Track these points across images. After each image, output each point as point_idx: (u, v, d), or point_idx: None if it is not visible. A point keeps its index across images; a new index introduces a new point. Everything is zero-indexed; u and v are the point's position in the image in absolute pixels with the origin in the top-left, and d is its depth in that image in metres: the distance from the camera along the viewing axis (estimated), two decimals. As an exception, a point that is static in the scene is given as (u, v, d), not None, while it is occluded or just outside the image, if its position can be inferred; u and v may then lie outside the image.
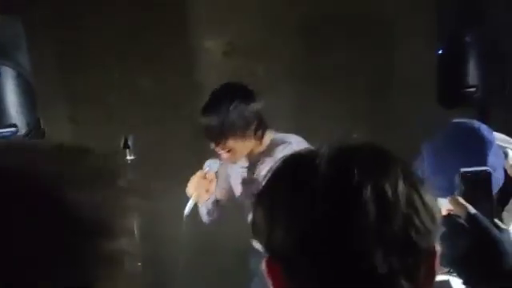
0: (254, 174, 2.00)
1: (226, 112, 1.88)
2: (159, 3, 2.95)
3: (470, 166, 1.35)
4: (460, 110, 2.50)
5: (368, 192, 0.65)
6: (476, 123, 1.45)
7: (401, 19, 2.99)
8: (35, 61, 2.42)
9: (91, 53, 2.91)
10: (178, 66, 3.02)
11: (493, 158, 1.38)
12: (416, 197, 0.68)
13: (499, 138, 1.52)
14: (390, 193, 0.66)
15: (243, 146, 1.92)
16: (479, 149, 1.38)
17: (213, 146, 1.92)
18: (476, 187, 0.97)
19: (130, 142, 1.99)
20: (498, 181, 1.39)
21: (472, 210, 0.91)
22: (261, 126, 1.95)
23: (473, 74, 2.39)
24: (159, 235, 2.46)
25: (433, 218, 0.70)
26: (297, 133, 3.21)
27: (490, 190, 1.02)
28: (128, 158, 2.01)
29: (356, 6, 3.01)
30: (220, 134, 1.88)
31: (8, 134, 2.25)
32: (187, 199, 2.06)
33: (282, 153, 1.90)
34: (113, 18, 2.91)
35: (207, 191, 1.96)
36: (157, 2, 2.95)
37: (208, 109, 1.91)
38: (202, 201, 1.99)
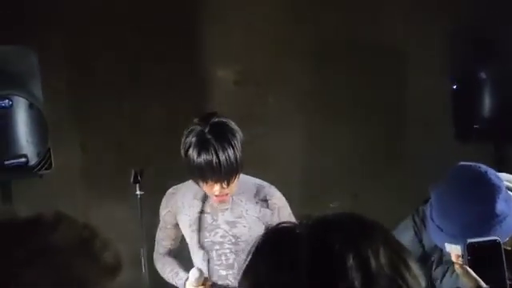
0: (215, 220, 1.91)
1: (239, 145, 1.76)
2: (171, 32, 2.97)
3: (478, 212, 1.31)
4: (474, 145, 2.48)
5: (351, 259, 0.65)
6: (483, 167, 1.41)
7: (413, 50, 2.97)
8: (47, 89, 2.43)
9: (103, 81, 2.92)
10: (190, 94, 3.03)
11: (502, 204, 1.35)
12: (400, 262, 0.68)
13: (510, 179, 1.48)
14: (372, 259, 0.67)
15: (236, 180, 1.82)
16: (487, 195, 1.34)
17: (217, 188, 1.78)
18: (485, 258, 0.93)
19: (139, 177, 1.95)
20: (510, 227, 1.35)
21: (483, 285, 0.87)
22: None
23: (487, 110, 2.36)
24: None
25: (419, 284, 0.69)
26: (307, 162, 3.22)
27: (501, 260, 0.98)
28: (138, 192, 1.98)
29: (369, 38, 3.01)
30: (237, 170, 1.76)
31: (18, 164, 2.25)
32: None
33: (258, 194, 1.88)
34: (124, 46, 2.93)
35: None
36: (169, 31, 2.96)
37: (225, 145, 1.73)
38: None
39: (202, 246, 1.93)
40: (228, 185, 1.77)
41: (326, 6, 3.00)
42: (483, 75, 2.36)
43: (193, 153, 1.74)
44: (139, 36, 2.94)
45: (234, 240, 1.91)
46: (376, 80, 3.03)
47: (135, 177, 1.96)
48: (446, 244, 1.37)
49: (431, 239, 1.46)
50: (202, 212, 1.90)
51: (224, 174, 1.73)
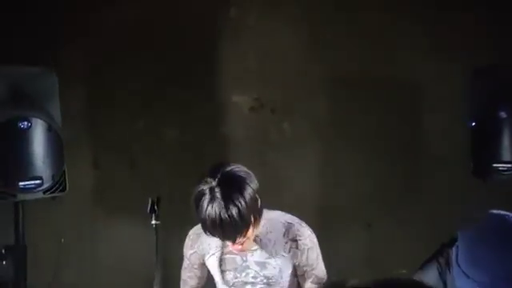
0: (245, 261, 1.87)
1: (248, 199, 1.68)
2: (189, 57, 2.98)
3: (509, 263, 1.31)
4: (493, 184, 2.45)
5: None
6: None
7: (432, 87, 2.97)
8: (63, 109, 2.44)
9: (118, 103, 2.93)
10: (205, 118, 3.03)
11: None
12: None
13: None
14: None
15: (255, 231, 1.76)
16: None
17: (229, 243, 1.76)
18: None
19: (155, 206, 1.93)
20: None
21: None
22: (261, 203, 1.75)
23: (508, 150, 2.34)
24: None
25: None
26: (321, 190, 3.20)
27: None
28: (153, 222, 1.96)
29: (387, 72, 3.01)
30: (243, 227, 1.69)
31: (32, 186, 2.25)
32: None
33: (287, 233, 1.82)
34: (142, 70, 2.94)
35: None
36: (186, 56, 2.98)
37: (227, 205, 1.65)
38: None
39: (233, 286, 1.89)
40: (235, 241, 1.72)
41: (345, 36, 3.00)
42: (503, 114, 2.35)
43: (200, 207, 1.69)
44: (157, 60, 2.96)
45: (265, 281, 1.87)
46: (396, 113, 3.02)
47: (152, 206, 1.93)
48: None
49: (455, 283, 1.44)
50: (230, 253, 1.86)
51: (227, 233, 1.68)
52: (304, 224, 1.89)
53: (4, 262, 2.34)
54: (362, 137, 3.04)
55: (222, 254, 1.88)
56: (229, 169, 1.72)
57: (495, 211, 1.44)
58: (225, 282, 1.91)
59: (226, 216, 1.64)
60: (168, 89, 2.98)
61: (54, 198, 2.35)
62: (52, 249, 2.61)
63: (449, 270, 1.56)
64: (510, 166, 2.37)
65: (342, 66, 3.02)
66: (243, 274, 1.88)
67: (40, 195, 2.29)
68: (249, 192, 1.69)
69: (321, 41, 3.01)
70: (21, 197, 2.28)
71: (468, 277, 1.37)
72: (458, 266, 1.40)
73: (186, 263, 1.97)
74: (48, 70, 2.38)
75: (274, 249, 1.84)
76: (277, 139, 3.08)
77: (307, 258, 1.85)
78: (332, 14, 3.00)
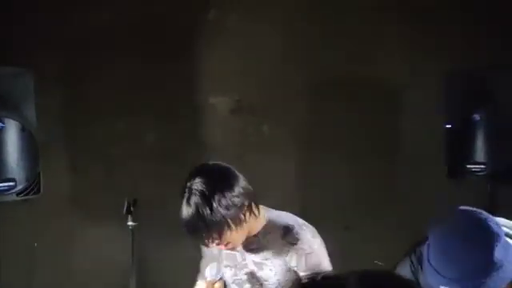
0: (244, 259, 1.85)
1: (211, 213, 1.65)
2: (168, 59, 2.97)
3: (476, 259, 1.34)
4: (467, 184, 2.49)
5: None
6: (484, 214, 1.44)
7: (410, 89, 3.00)
8: (39, 112, 2.41)
9: (95, 105, 2.91)
10: (184, 120, 3.01)
11: (500, 252, 1.37)
12: None
13: (509, 225, 1.50)
14: None
15: (241, 233, 1.74)
16: (486, 242, 1.37)
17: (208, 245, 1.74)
18: None
19: (131, 208, 1.92)
20: (506, 274, 1.37)
21: None
22: (251, 205, 1.73)
23: (481, 151, 2.38)
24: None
25: None
26: (300, 192, 3.21)
27: None
28: (130, 223, 1.94)
29: (367, 74, 3.03)
30: (213, 235, 1.68)
31: (5, 188, 2.21)
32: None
33: (286, 237, 1.79)
34: (120, 71, 2.92)
35: None
36: (166, 58, 2.96)
37: (191, 218, 1.65)
38: None
39: (234, 283, 1.88)
40: (207, 244, 1.70)
41: (326, 38, 3.02)
42: (476, 116, 2.38)
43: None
44: (135, 61, 2.94)
45: (261, 281, 1.84)
46: (372, 114, 3.05)
47: (128, 207, 1.92)
48: (441, 287, 1.38)
49: (427, 280, 1.46)
50: (232, 248, 1.83)
51: (195, 234, 1.66)
52: (307, 228, 1.82)
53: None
54: (340, 138, 3.06)
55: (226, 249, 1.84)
56: (208, 170, 1.71)
57: (463, 207, 1.47)
58: (227, 278, 1.87)
59: (195, 217, 1.63)
60: (146, 91, 2.96)
61: (27, 200, 2.32)
62: (25, 252, 2.57)
63: (421, 267, 1.58)
64: (483, 166, 2.40)
65: (321, 67, 3.04)
66: (242, 272, 1.85)
67: (13, 197, 2.25)
68: (224, 195, 1.67)
69: (300, 42, 3.03)
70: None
71: (438, 273, 1.39)
72: (429, 262, 1.42)
73: (203, 254, 1.93)
74: (23, 70, 2.35)
75: (272, 250, 1.80)
76: (256, 141, 3.09)
77: (305, 263, 1.78)
78: (311, 15, 3.01)
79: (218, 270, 1.79)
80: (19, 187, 2.23)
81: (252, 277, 1.82)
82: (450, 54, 2.83)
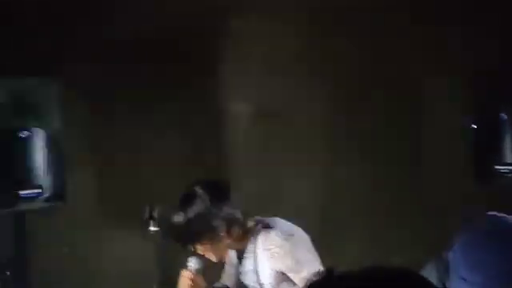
0: (245, 266, 2.00)
1: (189, 221, 1.89)
2: (187, 68, 2.98)
3: (505, 266, 1.29)
4: (493, 186, 2.43)
5: None
6: None
7: (433, 90, 2.95)
8: (66, 121, 2.45)
9: (118, 112, 2.94)
10: (204, 127, 3.02)
11: None
12: None
13: None
14: None
15: (216, 246, 1.92)
16: None
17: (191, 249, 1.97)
18: None
19: (154, 213, 1.94)
20: None
21: None
22: (233, 226, 1.92)
23: (510, 151, 2.32)
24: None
25: None
26: (322, 200, 3.18)
27: None
28: (152, 229, 1.96)
29: (389, 76, 3.00)
30: (187, 241, 1.91)
31: (33, 195, 2.25)
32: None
33: (263, 243, 1.91)
34: (142, 80, 2.95)
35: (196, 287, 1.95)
36: (184, 67, 2.98)
37: (176, 219, 1.91)
38: None
39: (241, 286, 2.02)
40: (187, 246, 1.90)
41: (343, 44, 3.00)
42: (504, 116, 2.33)
43: None
44: (155, 69, 2.96)
45: (261, 286, 1.97)
46: (397, 115, 3.01)
47: (150, 213, 1.94)
48: None
49: None
50: (238, 257, 2.01)
51: (174, 239, 1.90)
52: (282, 232, 1.93)
53: (8, 273, 2.34)
54: (364, 142, 3.02)
55: (234, 257, 2.03)
56: (205, 186, 1.93)
57: (492, 213, 1.43)
58: (234, 284, 2.03)
59: (176, 226, 1.88)
60: (167, 98, 2.98)
61: (54, 207, 2.36)
62: (53, 259, 2.61)
63: (447, 275, 1.54)
64: (511, 167, 2.34)
65: (343, 71, 3.01)
66: (246, 278, 1.99)
67: (40, 204, 2.29)
68: (195, 211, 1.87)
69: (323, 46, 3.01)
70: (21, 206, 2.29)
71: (465, 280, 1.35)
72: (455, 270, 1.38)
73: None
74: (50, 80, 2.40)
75: (261, 262, 1.94)
76: (278, 146, 3.07)
77: (284, 265, 1.90)
78: (332, 16, 3.00)
79: (199, 263, 1.94)
80: (46, 194, 2.27)
81: (253, 281, 1.97)
82: (476, 52, 2.77)
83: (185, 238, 1.89)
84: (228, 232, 1.90)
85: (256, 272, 1.95)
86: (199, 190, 1.90)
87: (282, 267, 1.90)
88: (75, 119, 2.80)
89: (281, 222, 1.98)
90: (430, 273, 1.65)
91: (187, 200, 1.90)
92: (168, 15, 2.97)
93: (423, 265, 1.70)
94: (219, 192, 1.92)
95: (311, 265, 1.91)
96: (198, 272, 1.93)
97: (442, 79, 2.91)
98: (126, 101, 2.94)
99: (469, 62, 2.70)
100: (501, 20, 2.82)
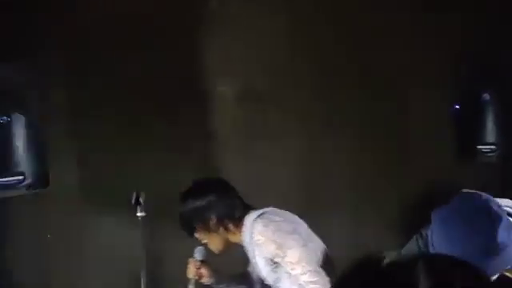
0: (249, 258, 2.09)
1: (187, 209, 2.03)
2: (171, 47, 2.95)
3: (479, 241, 1.33)
4: (475, 165, 2.46)
5: None
6: (485, 197, 1.44)
7: (414, 71, 2.96)
8: (48, 106, 2.41)
9: (103, 98, 2.90)
10: (191, 111, 3.01)
11: (503, 235, 1.37)
12: None
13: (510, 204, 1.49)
14: None
15: (212, 237, 2.04)
16: (488, 225, 1.37)
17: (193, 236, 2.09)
18: None
19: (141, 199, 1.94)
20: (509, 257, 1.36)
21: None
22: (224, 220, 2.03)
23: (492, 132, 2.35)
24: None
25: None
26: (307, 178, 3.21)
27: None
28: (139, 214, 1.97)
29: (369, 56, 3.00)
30: (186, 227, 2.05)
31: (14, 182, 2.22)
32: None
33: (255, 229, 1.97)
34: (125, 60, 2.91)
35: (202, 275, 2.08)
36: (170, 45, 2.95)
37: (180, 205, 2.06)
38: (204, 282, 2.11)
39: (254, 280, 2.14)
40: (190, 235, 2.03)
41: (329, 23, 2.99)
42: (486, 96, 2.35)
43: None
44: (141, 53, 2.93)
45: (261, 278, 2.07)
46: (379, 100, 3.02)
47: (137, 199, 1.94)
48: None
49: None
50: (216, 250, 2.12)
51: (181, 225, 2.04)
52: (262, 219, 1.99)
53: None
54: (347, 125, 3.03)
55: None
56: (205, 180, 2.12)
57: (466, 190, 1.46)
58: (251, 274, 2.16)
59: (180, 213, 2.03)
60: (151, 81, 2.95)
61: (37, 194, 2.33)
62: (37, 244, 2.59)
63: (427, 250, 1.57)
64: (493, 147, 2.38)
65: (327, 53, 3.00)
66: (254, 270, 2.11)
67: (22, 191, 2.26)
68: (193, 204, 2.02)
69: (305, 29, 3.00)
70: (2, 193, 2.25)
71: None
72: (433, 246, 1.41)
73: None
74: (28, 65, 2.35)
75: (252, 252, 2.03)
76: (262, 128, 3.07)
77: (268, 251, 1.97)
78: (316, 0, 2.98)
79: (203, 254, 2.08)
80: (28, 181, 2.24)
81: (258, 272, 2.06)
82: (462, 33, 2.78)
83: (184, 227, 2.03)
84: (221, 224, 2.00)
85: (255, 264, 2.03)
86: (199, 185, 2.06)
87: (267, 254, 1.95)
88: (58, 104, 2.76)
89: (273, 212, 2.02)
90: (411, 249, 1.68)
91: (187, 192, 2.05)
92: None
93: (405, 242, 1.73)
94: (216, 187, 2.07)
95: (295, 249, 1.94)
96: (203, 261, 2.06)
97: (426, 61, 2.93)
98: (109, 83, 2.90)
99: (452, 44, 2.72)
100: (483, 5, 2.83)
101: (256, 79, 3.05)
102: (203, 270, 2.07)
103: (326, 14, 2.98)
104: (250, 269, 2.15)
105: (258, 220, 1.97)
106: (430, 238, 1.45)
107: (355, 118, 3.03)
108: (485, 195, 1.44)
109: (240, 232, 2.02)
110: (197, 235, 2.04)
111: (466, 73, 2.42)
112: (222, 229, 2.02)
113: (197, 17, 2.99)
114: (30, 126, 2.24)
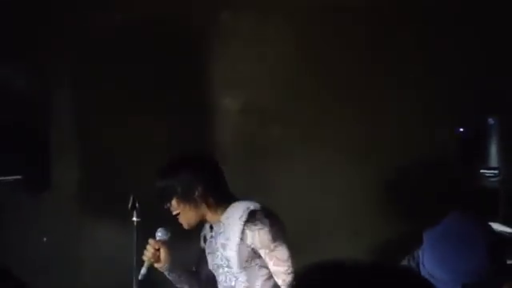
0: (216, 243, 2.03)
1: (172, 176, 2.00)
2: (179, 58, 2.96)
3: (471, 262, 1.32)
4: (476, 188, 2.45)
5: None
6: (476, 217, 1.45)
7: (418, 92, 2.97)
8: (50, 110, 2.41)
9: (105, 104, 2.91)
10: (193, 121, 3.01)
11: (494, 254, 1.37)
12: None
13: (502, 229, 1.50)
14: None
15: (189, 210, 1.98)
16: (478, 246, 1.37)
17: (166, 206, 2.02)
18: None
19: (137, 204, 1.93)
20: (499, 277, 1.37)
21: None
22: (208, 194, 1.99)
23: (495, 156, 2.35)
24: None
25: None
26: (307, 193, 3.18)
27: None
28: (135, 219, 1.96)
29: (373, 71, 3.00)
30: (164, 195, 1.99)
31: (11, 181, 2.22)
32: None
33: (239, 220, 1.94)
34: (127, 71, 2.92)
35: (158, 258, 2.02)
36: (175, 58, 2.96)
37: (160, 173, 2.03)
38: (158, 267, 2.04)
39: (212, 269, 2.07)
40: (166, 205, 1.98)
41: (334, 39, 3.00)
42: (491, 120, 2.36)
43: None
44: (145, 63, 2.94)
45: (227, 263, 1.99)
46: (385, 115, 3.02)
47: (133, 203, 1.94)
48: None
49: None
50: (211, 237, 2.07)
51: (157, 193, 1.99)
52: (262, 210, 1.96)
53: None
54: (350, 141, 3.03)
55: (207, 238, 2.08)
56: (193, 155, 2.09)
57: (457, 210, 1.45)
58: (208, 265, 2.08)
59: (160, 179, 2.00)
60: (156, 90, 2.96)
61: (37, 196, 2.33)
62: (34, 246, 2.58)
63: (419, 270, 1.56)
64: (496, 172, 2.37)
65: (331, 69, 3.01)
66: (215, 256, 2.04)
67: (22, 193, 2.26)
68: (182, 172, 1.99)
69: (312, 43, 3.01)
70: (3, 193, 2.25)
71: (432, 277, 1.37)
72: (424, 266, 1.41)
73: None
74: (33, 67, 2.37)
75: (232, 231, 1.97)
76: (265, 143, 3.07)
77: (260, 240, 1.93)
78: (323, 15, 3.00)
79: (167, 234, 2.03)
80: (28, 183, 2.24)
81: (221, 259, 2.01)
82: (463, 57, 2.79)
83: (162, 194, 1.97)
84: (204, 197, 1.97)
85: (224, 246, 1.98)
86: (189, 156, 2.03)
87: (256, 242, 1.92)
88: (61, 108, 2.77)
89: (257, 204, 2.00)
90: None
91: (177, 161, 2.03)
92: (157, 5, 2.95)
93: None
94: (209, 162, 2.04)
95: (286, 248, 1.94)
96: (164, 242, 2.01)
97: (430, 84, 2.93)
98: (113, 90, 2.91)
99: (456, 68, 2.73)
100: (488, 26, 2.85)
101: (260, 93, 3.06)
102: (162, 253, 2.00)
103: (330, 29, 3.00)
104: (206, 249, 2.09)
105: (259, 207, 1.94)
106: (421, 258, 1.44)
107: (360, 136, 3.02)
108: (476, 216, 1.44)
109: (220, 212, 1.99)
110: (172, 206, 1.98)
111: (470, 95, 2.42)
112: (203, 203, 1.98)
113: (206, 29, 3.01)
114: (32, 130, 2.25)
